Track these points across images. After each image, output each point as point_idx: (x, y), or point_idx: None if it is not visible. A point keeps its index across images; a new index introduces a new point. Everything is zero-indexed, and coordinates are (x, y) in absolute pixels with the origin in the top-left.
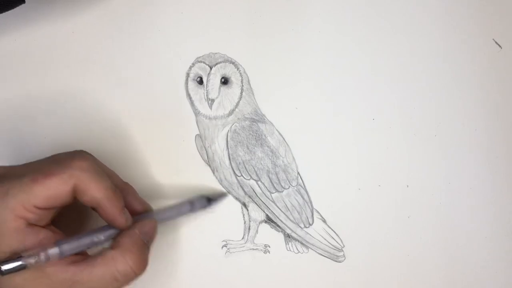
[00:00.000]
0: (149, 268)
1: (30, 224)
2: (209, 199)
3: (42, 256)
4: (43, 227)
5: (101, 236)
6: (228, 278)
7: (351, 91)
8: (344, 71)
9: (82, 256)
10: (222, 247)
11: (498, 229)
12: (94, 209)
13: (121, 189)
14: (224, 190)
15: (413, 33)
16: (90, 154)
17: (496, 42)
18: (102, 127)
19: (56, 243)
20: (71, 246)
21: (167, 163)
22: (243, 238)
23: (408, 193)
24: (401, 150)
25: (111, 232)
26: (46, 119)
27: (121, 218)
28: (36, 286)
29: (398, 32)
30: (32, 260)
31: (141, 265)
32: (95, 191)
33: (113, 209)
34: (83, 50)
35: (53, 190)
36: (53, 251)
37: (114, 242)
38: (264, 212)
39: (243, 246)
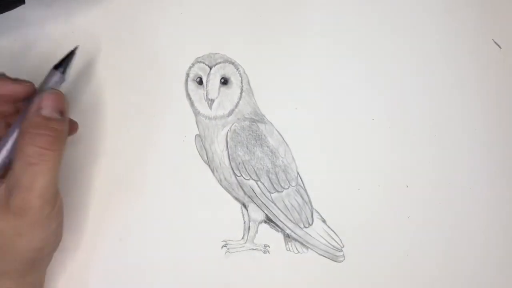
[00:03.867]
0: (149, 268)
1: None
2: (59, 67)
3: None
4: None
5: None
6: (228, 278)
7: (350, 91)
8: (344, 71)
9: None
10: (221, 247)
11: (498, 229)
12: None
13: None
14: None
15: (412, 33)
16: None
17: (495, 42)
18: (101, 127)
19: None
20: None
21: (167, 163)
22: (242, 238)
23: (408, 193)
24: (401, 150)
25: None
26: None
27: (11, 84)
28: None
29: (398, 32)
30: None
31: (46, 140)
32: None
33: None
34: (83, 50)
35: None
36: None
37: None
38: (264, 212)
39: (243, 246)
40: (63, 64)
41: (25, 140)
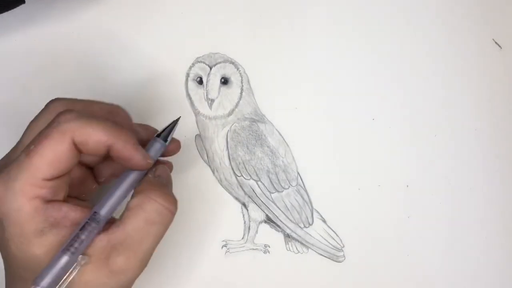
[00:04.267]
0: (148, 268)
1: (48, 201)
2: (161, 135)
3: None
4: (64, 201)
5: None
6: (228, 278)
7: (351, 91)
8: (344, 71)
9: (108, 224)
10: (222, 247)
11: (498, 229)
12: (109, 158)
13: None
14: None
15: (413, 33)
16: (66, 99)
17: (496, 42)
18: None
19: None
20: (107, 212)
21: None
22: (243, 238)
23: (408, 193)
24: (401, 150)
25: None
26: None
27: (138, 154)
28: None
29: (398, 32)
30: (82, 260)
31: (170, 199)
32: (97, 135)
33: (126, 146)
34: (83, 50)
35: (51, 154)
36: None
37: (134, 193)
38: (264, 212)
39: (243, 246)
40: (165, 132)
41: (150, 197)
